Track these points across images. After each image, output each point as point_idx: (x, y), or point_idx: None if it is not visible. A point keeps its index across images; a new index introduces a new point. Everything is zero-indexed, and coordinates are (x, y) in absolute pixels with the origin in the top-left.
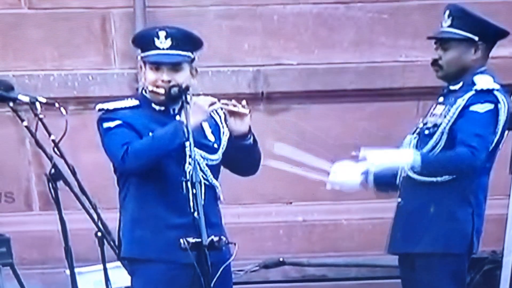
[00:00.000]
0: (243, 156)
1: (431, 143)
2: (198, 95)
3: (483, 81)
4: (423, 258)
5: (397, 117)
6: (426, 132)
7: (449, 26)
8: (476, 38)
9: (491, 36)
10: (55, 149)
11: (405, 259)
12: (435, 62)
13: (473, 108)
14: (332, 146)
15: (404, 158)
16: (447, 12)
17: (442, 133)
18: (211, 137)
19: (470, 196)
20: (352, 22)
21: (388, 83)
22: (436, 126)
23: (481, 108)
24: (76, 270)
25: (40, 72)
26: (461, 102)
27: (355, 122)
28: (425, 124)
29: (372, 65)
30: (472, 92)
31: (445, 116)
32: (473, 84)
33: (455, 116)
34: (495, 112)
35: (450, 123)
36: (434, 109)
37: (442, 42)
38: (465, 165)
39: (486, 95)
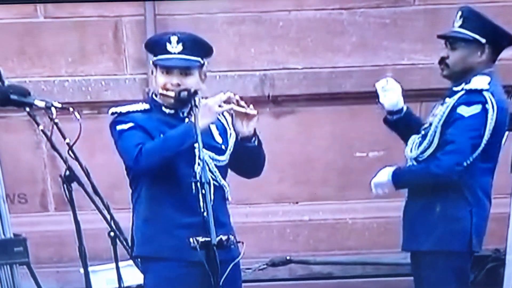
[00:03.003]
0: (247, 158)
1: (425, 143)
2: (206, 98)
3: (476, 81)
4: (428, 256)
5: None
6: (423, 132)
7: (459, 27)
8: (483, 41)
9: (499, 40)
10: (70, 152)
11: (412, 256)
12: (442, 61)
13: (460, 110)
14: (337, 148)
15: (382, 178)
16: (460, 13)
17: (435, 132)
18: (219, 139)
19: (467, 194)
20: (355, 27)
21: None
22: (430, 125)
23: (467, 111)
24: (90, 268)
25: (55, 78)
26: (450, 101)
27: (359, 124)
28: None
29: (375, 69)
30: (462, 92)
31: (436, 116)
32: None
33: (445, 115)
34: (483, 113)
35: (441, 122)
36: (436, 109)
37: (451, 41)
38: (434, 177)
39: (474, 95)
